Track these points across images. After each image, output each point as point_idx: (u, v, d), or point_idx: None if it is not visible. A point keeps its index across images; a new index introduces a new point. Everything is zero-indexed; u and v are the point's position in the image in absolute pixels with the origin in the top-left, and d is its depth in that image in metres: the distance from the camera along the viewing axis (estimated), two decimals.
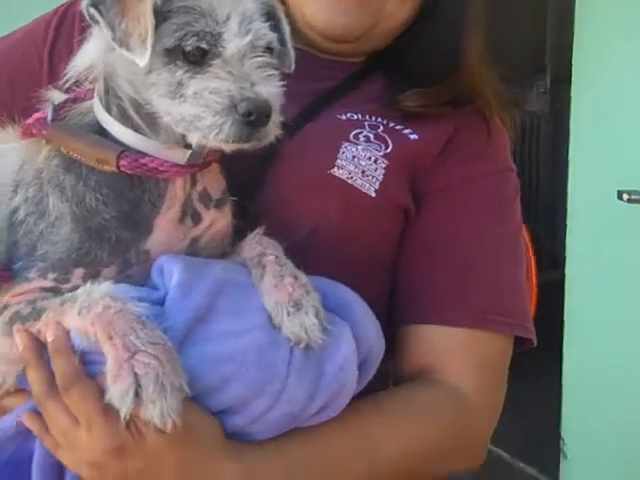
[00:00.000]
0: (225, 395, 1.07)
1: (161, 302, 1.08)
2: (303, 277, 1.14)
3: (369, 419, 1.21)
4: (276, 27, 1.14)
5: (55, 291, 1.10)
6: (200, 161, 1.12)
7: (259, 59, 1.06)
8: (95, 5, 1.03)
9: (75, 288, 1.08)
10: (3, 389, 1.11)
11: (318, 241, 1.29)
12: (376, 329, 1.21)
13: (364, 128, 1.36)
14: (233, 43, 1.04)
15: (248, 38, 1.05)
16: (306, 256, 1.26)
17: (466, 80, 1.43)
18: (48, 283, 1.10)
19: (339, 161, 1.31)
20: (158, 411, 0.97)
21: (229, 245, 1.22)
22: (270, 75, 1.06)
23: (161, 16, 1.03)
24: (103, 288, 1.03)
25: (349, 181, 1.30)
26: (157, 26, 1.03)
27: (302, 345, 1.10)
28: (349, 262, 1.31)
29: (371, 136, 1.35)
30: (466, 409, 1.30)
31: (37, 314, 1.07)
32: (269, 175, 1.30)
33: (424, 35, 1.45)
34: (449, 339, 1.33)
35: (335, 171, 1.30)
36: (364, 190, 1.30)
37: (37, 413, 1.08)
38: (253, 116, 1.01)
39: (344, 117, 1.38)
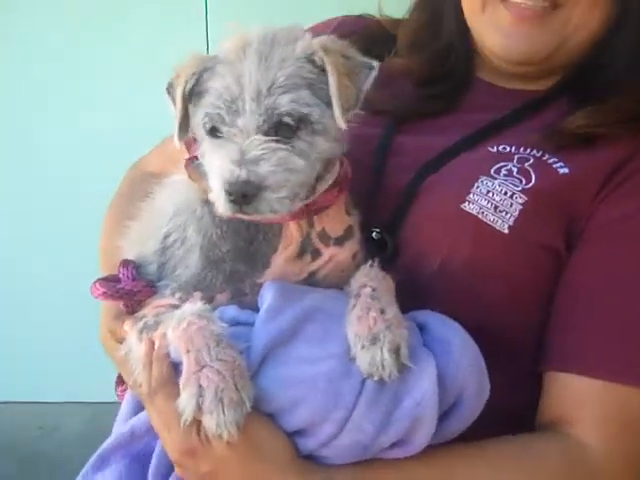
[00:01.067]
0: (294, 417, 1.13)
1: None
2: (392, 312, 1.15)
3: (459, 460, 1.19)
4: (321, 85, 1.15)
5: (178, 308, 1.24)
6: (291, 210, 1.17)
7: (262, 137, 1.11)
8: (168, 89, 1.21)
9: None
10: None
11: (447, 276, 1.28)
12: (474, 369, 1.18)
13: (511, 161, 1.32)
14: (238, 121, 1.12)
15: (245, 119, 1.11)
16: (435, 290, 1.27)
17: None
18: (175, 301, 1.25)
19: (471, 195, 1.29)
20: (215, 422, 1.07)
21: (350, 276, 1.25)
22: (272, 151, 1.10)
23: (198, 97, 1.17)
24: (194, 308, 1.15)
25: (479, 216, 1.27)
26: (196, 105, 1.18)
27: (375, 378, 1.12)
28: (478, 298, 1.28)
29: (514, 170, 1.30)
30: (589, 467, 1.21)
31: (157, 325, 1.22)
32: (411, 207, 1.33)
33: (616, 44, 1.37)
34: (585, 390, 1.24)
35: (465, 206, 1.28)
36: (496, 226, 1.27)
37: None
38: (232, 197, 1.09)
39: (495, 149, 1.35)
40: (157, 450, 1.25)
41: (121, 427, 1.34)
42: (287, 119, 1.12)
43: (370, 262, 1.23)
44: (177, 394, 1.13)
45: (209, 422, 1.08)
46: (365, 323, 1.14)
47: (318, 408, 1.12)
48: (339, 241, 1.24)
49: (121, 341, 1.32)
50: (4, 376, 3.36)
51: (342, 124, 1.14)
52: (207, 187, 1.22)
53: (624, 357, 1.23)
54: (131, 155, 1.77)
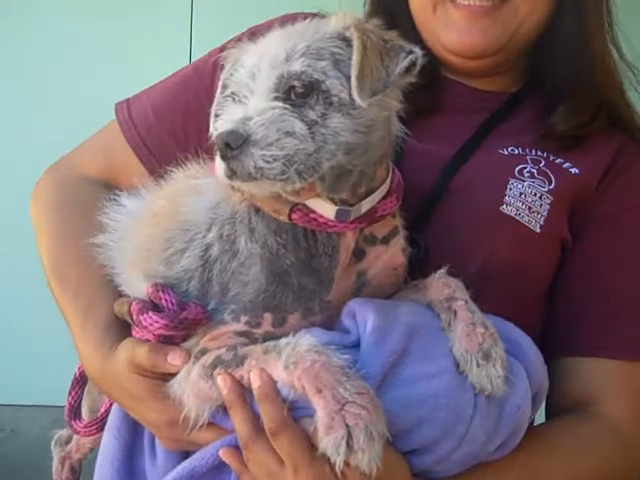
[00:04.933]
0: (416, 437, 1.11)
1: (354, 346, 1.13)
2: (491, 325, 1.17)
3: (537, 457, 1.26)
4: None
5: (247, 335, 1.15)
6: (350, 218, 1.14)
7: (269, 98, 1.06)
8: None
9: (266, 334, 1.14)
10: (199, 423, 1.16)
11: (487, 275, 1.32)
12: (543, 367, 1.25)
13: (527, 163, 1.39)
14: (251, 85, 1.09)
15: (257, 83, 1.08)
16: (476, 288, 1.30)
17: (606, 86, 1.46)
18: (241, 327, 1.15)
19: (507, 198, 1.34)
20: (367, 459, 1.02)
21: (403, 275, 1.25)
22: (270, 109, 1.05)
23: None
24: (307, 341, 1.07)
25: (517, 217, 1.34)
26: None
27: (486, 393, 1.14)
28: (515, 296, 1.35)
29: (535, 171, 1.38)
30: (623, 440, 1.34)
31: (239, 360, 1.11)
32: (437, 209, 1.34)
33: (557, 35, 1.46)
34: (605, 371, 1.37)
35: (504, 208, 1.34)
36: (530, 226, 1.34)
37: (235, 449, 1.14)
38: (220, 152, 1.04)
39: (506, 152, 1.41)
40: None
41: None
42: (296, 82, 1.07)
43: (442, 270, 1.22)
44: (301, 433, 1.07)
45: (361, 460, 1.02)
46: (475, 339, 1.14)
47: (443, 425, 1.11)
48: (385, 240, 1.22)
49: (157, 376, 1.18)
50: None
51: (358, 98, 1.06)
52: (260, 197, 1.14)
53: (636, 336, 1.37)
54: None
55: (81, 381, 1.41)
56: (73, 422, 1.40)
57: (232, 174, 1.04)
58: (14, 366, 3.25)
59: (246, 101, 1.08)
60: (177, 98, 1.51)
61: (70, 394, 1.41)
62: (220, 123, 1.08)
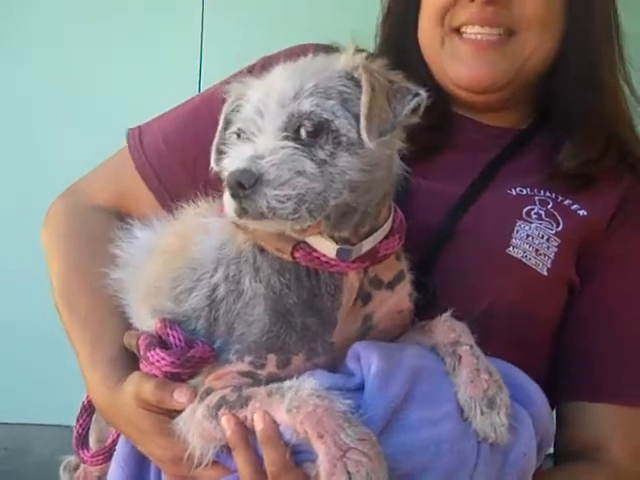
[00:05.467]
0: None
1: (357, 389, 1.13)
2: (496, 371, 1.17)
3: None
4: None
5: (251, 376, 1.15)
6: (351, 257, 1.14)
7: (278, 136, 1.07)
8: None
9: (270, 375, 1.15)
10: (204, 462, 1.16)
11: (494, 317, 1.32)
12: (549, 413, 1.25)
13: (535, 204, 1.39)
14: (259, 123, 1.09)
15: (265, 121, 1.08)
16: (482, 330, 1.29)
17: (616, 118, 1.46)
18: (245, 367, 1.15)
19: (514, 240, 1.34)
20: None
21: (409, 318, 1.25)
22: (281, 148, 1.05)
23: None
24: (309, 385, 1.07)
25: (524, 260, 1.34)
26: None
27: (489, 441, 1.13)
28: (521, 338, 1.35)
29: (542, 213, 1.38)
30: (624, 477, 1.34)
31: (244, 402, 1.11)
32: (445, 249, 1.34)
33: (566, 67, 1.46)
34: (612, 417, 1.36)
35: (511, 250, 1.34)
36: (537, 269, 1.34)
37: None
38: (232, 190, 1.04)
39: (514, 192, 1.41)
40: None
41: None
42: (306, 122, 1.07)
43: (447, 314, 1.22)
44: (303, 478, 1.07)
45: None
46: (479, 386, 1.14)
47: (445, 472, 1.11)
48: (390, 285, 1.22)
49: (163, 412, 1.19)
50: None
51: (367, 139, 1.07)
52: (262, 235, 1.15)
53: None
54: None
55: (89, 409, 1.42)
56: (80, 451, 1.41)
57: (243, 213, 1.05)
58: (27, 384, 3.23)
59: (254, 139, 1.09)
60: (188, 127, 1.52)
61: (78, 422, 1.42)
62: (229, 161, 1.10)
